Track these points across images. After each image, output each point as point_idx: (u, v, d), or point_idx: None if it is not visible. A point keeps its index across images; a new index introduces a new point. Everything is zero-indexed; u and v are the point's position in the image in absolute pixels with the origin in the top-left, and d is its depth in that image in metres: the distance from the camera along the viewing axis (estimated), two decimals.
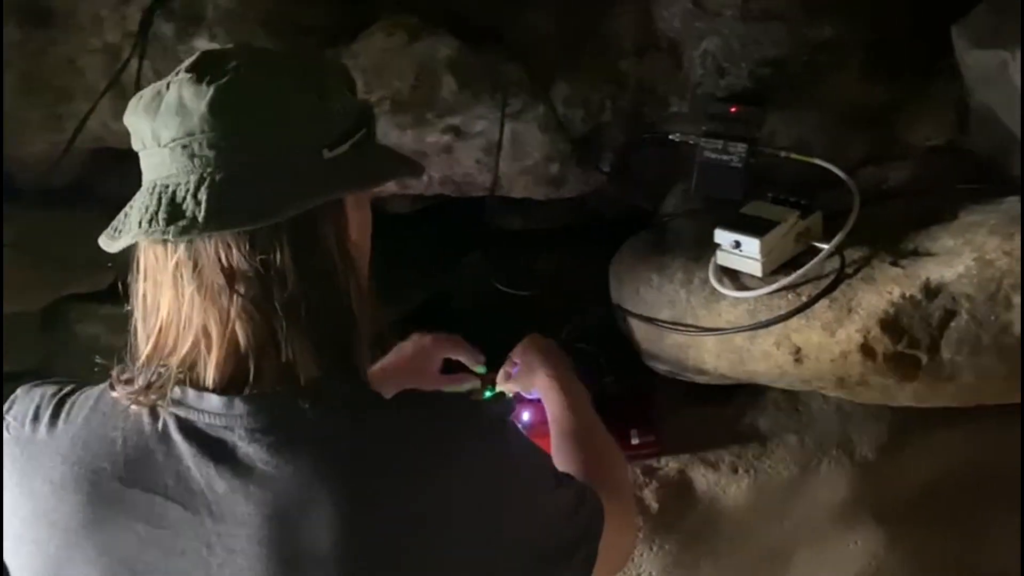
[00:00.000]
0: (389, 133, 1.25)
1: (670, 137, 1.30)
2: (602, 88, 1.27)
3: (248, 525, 0.71)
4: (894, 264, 1.08)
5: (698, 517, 1.22)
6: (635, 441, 1.27)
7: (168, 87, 0.73)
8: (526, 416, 1.24)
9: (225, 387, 0.74)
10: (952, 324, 1.03)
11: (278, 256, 0.72)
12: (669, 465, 1.25)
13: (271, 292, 0.72)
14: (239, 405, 0.73)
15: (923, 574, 1.24)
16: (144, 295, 0.76)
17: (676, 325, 1.20)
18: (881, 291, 1.05)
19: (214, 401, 0.73)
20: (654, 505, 1.22)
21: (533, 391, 1.21)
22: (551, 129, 1.29)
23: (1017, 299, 1.01)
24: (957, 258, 1.05)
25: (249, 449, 0.72)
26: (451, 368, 1.29)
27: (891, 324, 1.04)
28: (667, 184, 1.39)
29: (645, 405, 1.34)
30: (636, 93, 1.29)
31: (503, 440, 0.80)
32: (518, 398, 1.27)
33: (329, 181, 0.74)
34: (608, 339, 1.38)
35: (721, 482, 1.22)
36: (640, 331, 1.28)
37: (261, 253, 0.71)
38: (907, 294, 1.04)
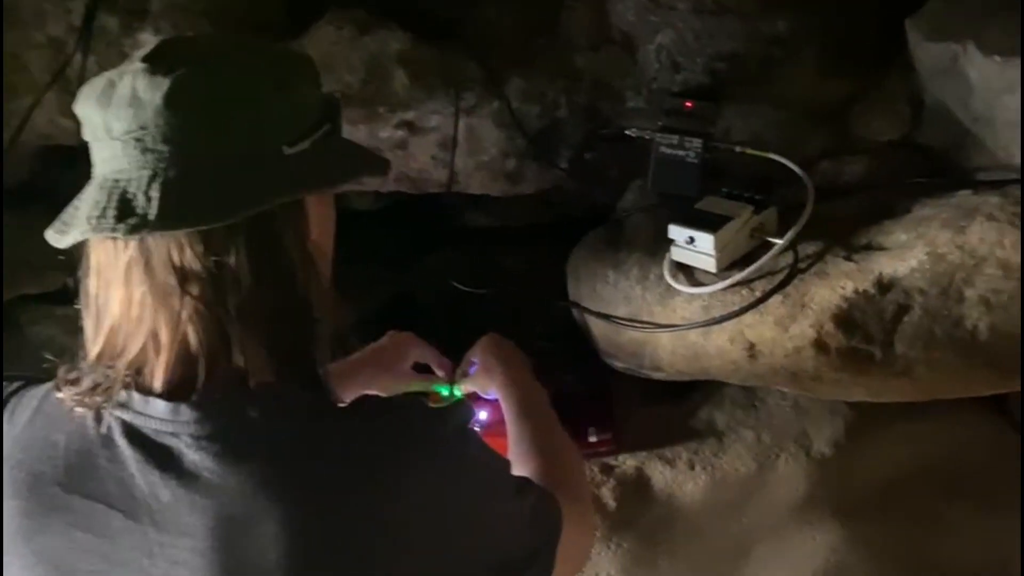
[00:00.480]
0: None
1: (626, 132, 1.29)
2: (557, 83, 1.26)
3: (192, 536, 0.69)
4: (847, 259, 1.07)
5: (656, 515, 1.21)
6: (592, 439, 1.26)
7: (122, 77, 0.69)
8: (483, 416, 1.22)
9: (173, 392, 0.71)
10: (905, 319, 1.03)
11: (233, 257, 0.69)
12: (626, 463, 1.24)
13: (224, 294, 0.69)
14: (185, 411, 0.70)
15: (882, 568, 1.24)
16: (94, 294, 0.73)
17: (632, 322, 1.20)
18: (834, 286, 1.05)
19: (160, 406, 0.71)
20: (611, 503, 1.21)
21: (490, 391, 1.20)
22: (506, 124, 1.28)
23: (969, 292, 1.01)
24: (910, 252, 1.04)
25: (195, 457, 0.70)
26: (420, 370, 1.28)
27: (844, 319, 1.04)
28: (625, 180, 1.38)
29: (603, 403, 1.33)
30: (591, 88, 1.27)
31: (462, 449, 0.78)
32: (475, 398, 1.25)
33: (289, 180, 0.70)
34: (567, 337, 1.37)
35: (678, 479, 1.21)
36: (597, 328, 1.27)
37: (215, 254, 0.69)
38: (860, 289, 1.04)
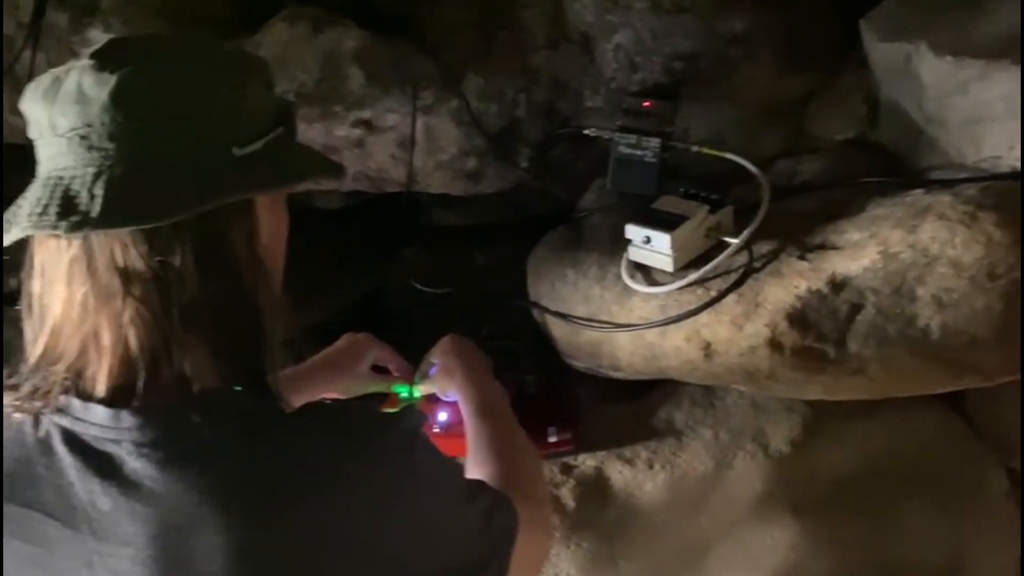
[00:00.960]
0: (297, 126, 1.22)
1: (585, 132, 1.29)
2: (515, 82, 1.26)
3: (132, 545, 0.68)
4: (801, 258, 1.08)
5: (615, 514, 1.21)
6: (552, 439, 1.25)
7: (68, 73, 0.68)
8: (443, 417, 1.22)
9: (114, 397, 0.69)
10: (858, 317, 1.03)
11: (178, 258, 0.67)
12: (586, 462, 1.23)
13: (168, 296, 0.68)
14: (127, 418, 0.68)
15: (839, 565, 1.25)
16: (37, 294, 0.71)
17: (590, 321, 1.19)
18: (788, 285, 1.05)
19: (100, 412, 0.69)
20: (571, 503, 1.20)
21: (450, 393, 1.19)
22: (465, 123, 1.27)
23: (921, 291, 1.01)
24: (863, 251, 1.05)
25: (136, 465, 0.68)
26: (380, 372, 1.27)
27: (798, 318, 1.04)
28: (587, 179, 1.38)
29: (563, 402, 1.32)
30: (550, 87, 1.27)
31: (411, 457, 0.76)
32: (435, 399, 1.25)
33: (237, 180, 0.69)
34: (529, 337, 1.37)
35: (637, 478, 1.21)
36: (557, 328, 1.27)
37: (159, 254, 0.67)
38: (814, 288, 1.04)
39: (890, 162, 1.24)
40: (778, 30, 1.23)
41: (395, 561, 0.73)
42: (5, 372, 0.73)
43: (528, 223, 1.48)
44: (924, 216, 1.04)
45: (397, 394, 1.26)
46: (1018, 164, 1.10)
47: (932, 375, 1.05)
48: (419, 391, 1.24)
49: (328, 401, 1.09)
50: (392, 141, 1.28)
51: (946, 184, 1.11)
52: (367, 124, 1.25)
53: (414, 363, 1.27)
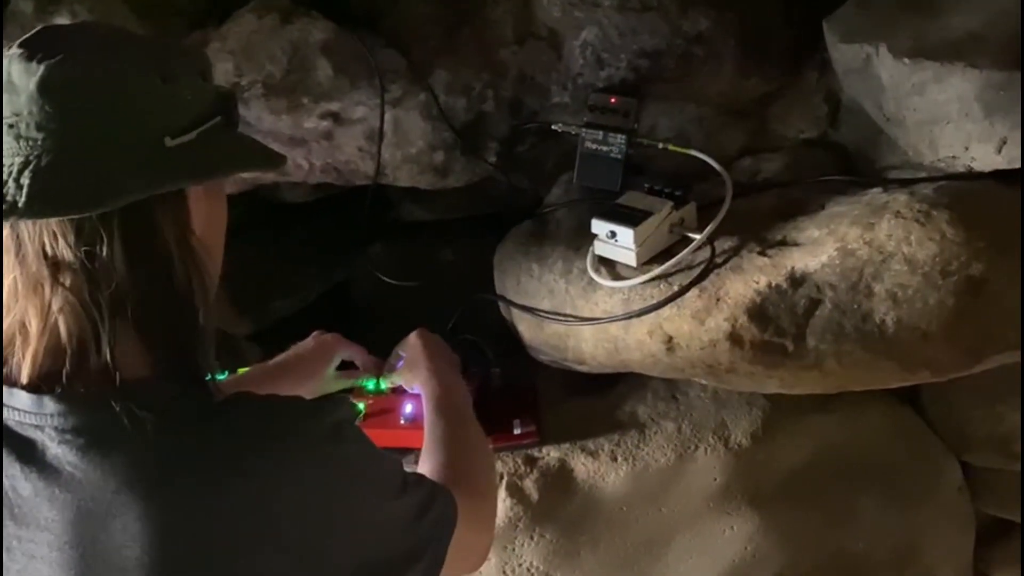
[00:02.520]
0: (264, 118, 1.22)
1: (552, 127, 1.30)
2: (482, 76, 1.27)
3: (50, 531, 0.68)
4: (762, 254, 1.10)
5: (578, 506, 1.22)
6: (517, 431, 1.26)
7: None
8: (408, 409, 1.22)
9: (39, 383, 0.69)
10: (816, 312, 1.05)
11: (106, 247, 0.68)
12: (550, 454, 1.24)
13: (97, 285, 0.68)
14: (49, 404, 0.69)
15: (795, 555, 1.28)
16: None
17: (555, 315, 1.21)
18: (748, 280, 1.07)
19: (24, 398, 0.69)
20: (534, 495, 1.22)
21: (415, 386, 1.20)
22: (433, 117, 1.28)
23: (877, 287, 1.04)
24: (821, 248, 1.07)
25: (58, 451, 0.68)
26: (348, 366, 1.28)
27: (758, 313, 1.06)
28: (555, 174, 1.39)
29: (529, 395, 1.33)
30: (517, 82, 1.28)
31: (340, 447, 0.76)
32: (400, 391, 1.25)
33: (168, 170, 0.69)
34: (495, 330, 1.38)
35: (601, 470, 1.22)
36: (522, 321, 1.28)
37: (87, 244, 0.67)
38: (773, 283, 1.06)
39: (850, 161, 1.27)
40: (740, 30, 1.25)
41: (317, 550, 0.72)
42: None
43: (495, 218, 1.49)
44: (881, 214, 1.07)
45: (364, 387, 1.26)
46: (972, 164, 1.12)
47: (886, 370, 1.07)
48: (385, 384, 1.25)
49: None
50: (360, 134, 1.28)
51: (903, 183, 1.14)
52: (335, 116, 1.25)
53: (381, 355, 1.28)
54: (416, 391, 1.20)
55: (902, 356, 1.05)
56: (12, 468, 0.69)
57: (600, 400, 1.32)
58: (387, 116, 1.26)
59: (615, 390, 1.33)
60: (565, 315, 1.20)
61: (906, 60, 1.10)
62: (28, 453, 0.69)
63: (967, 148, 1.11)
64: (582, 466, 1.23)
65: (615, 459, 1.24)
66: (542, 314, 1.22)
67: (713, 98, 1.28)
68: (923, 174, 1.15)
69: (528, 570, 1.22)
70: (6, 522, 0.69)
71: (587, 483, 1.23)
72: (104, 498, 0.67)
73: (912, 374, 1.08)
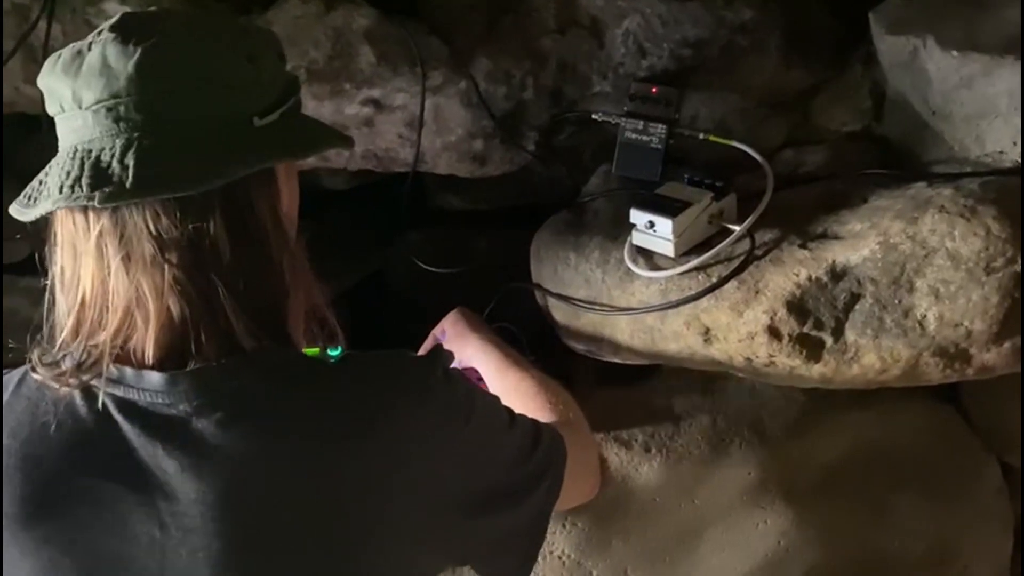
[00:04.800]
0: (306, 104, 1.22)
1: (592, 117, 1.30)
2: (523, 64, 1.26)
3: (202, 503, 0.70)
4: (802, 247, 1.09)
5: (610, 496, 1.22)
6: None
7: (90, 47, 0.70)
8: None
9: (165, 362, 0.72)
10: (857, 307, 1.04)
11: (211, 224, 0.70)
12: None
13: (205, 261, 0.70)
14: (182, 381, 0.71)
15: (830, 552, 1.26)
16: (63, 268, 0.73)
17: (591, 304, 1.21)
18: (788, 273, 1.06)
19: (155, 378, 0.71)
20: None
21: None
22: (473, 105, 1.28)
23: (919, 282, 1.02)
24: (863, 241, 1.06)
25: (198, 425, 0.71)
26: None
27: (797, 306, 1.05)
28: (593, 164, 1.39)
29: (563, 384, 1.34)
30: (558, 71, 1.28)
31: (450, 388, 0.80)
32: None
33: (261, 149, 0.72)
34: (530, 319, 1.38)
35: (634, 461, 1.22)
36: (558, 311, 1.28)
37: (193, 221, 0.69)
38: (813, 276, 1.05)
39: (894, 155, 1.25)
40: (785, 21, 1.24)
41: (443, 487, 0.78)
42: (38, 351, 0.75)
43: (530, 210, 1.49)
44: (925, 208, 1.05)
45: None
46: (1020, 160, 1.10)
47: (927, 366, 1.06)
48: None
49: None
50: (400, 121, 1.29)
51: (948, 178, 1.12)
52: (376, 103, 1.26)
53: (418, 343, 1.29)
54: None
55: (944, 353, 1.04)
56: (155, 447, 0.71)
57: (634, 391, 1.32)
58: (427, 103, 1.26)
59: (650, 381, 1.33)
60: (601, 305, 1.20)
61: (954, 53, 1.08)
62: (167, 431, 0.71)
63: (1015, 143, 1.10)
64: (615, 456, 1.23)
65: (648, 450, 1.24)
66: (578, 303, 1.22)
67: (756, 89, 1.27)
68: (969, 169, 1.14)
69: (559, 558, 1.22)
70: (158, 502, 0.71)
71: (620, 473, 1.23)
72: (250, 466, 0.70)
73: (953, 371, 1.07)
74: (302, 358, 0.77)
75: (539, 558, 1.21)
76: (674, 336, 1.13)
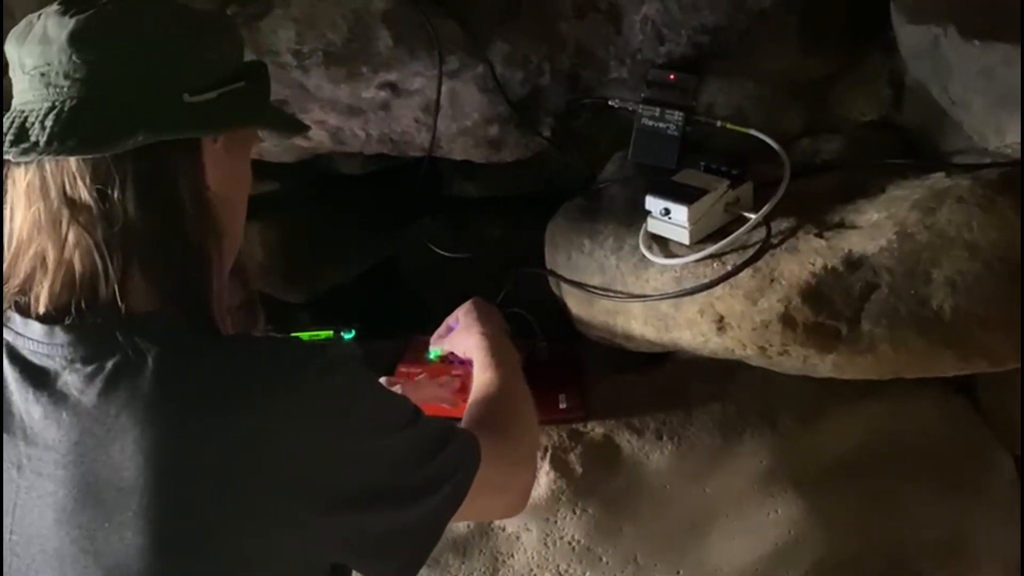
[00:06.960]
0: (323, 86, 1.23)
1: (609, 103, 1.30)
2: (540, 49, 1.26)
3: (56, 450, 0.74)
4: (818, 236, 1.08)
5: (621, 481, 1.23)
6: (563, 405, 1.27)
7: (39, 17, 0.76)
8: (458, 374, 1.24)
9: (53, 315, 0.75)
10: (872, 296, 1.04)
11: (118, 188, 0.74)
12: (595, 430, 1.25)
13: (109, 224, 0.74)
14: (60, 334, 0.75)
15: (840, 542, 1.26)
16: (7, 218, 0.79)
17: (605, 291, 1.21)
18: (804, 262, 1.06)
19: (37, 328, 0.76)
20: (578, 469, 1.22)
21: (463, 352, 1.21)
22: (489, 90, 1.28)
23: (936, 273, 1.02)
24: (879, 231, 1.05)
25: (68, 378, 0.74)
26: None
27: (812, 295, 1.05)
28: (609, 150, 1.39)
29: (575, 370, 1.34)
30: (575, 56, 1.27)
31: (327, 380, 0.79)
32: (452, 357, 1.27)
33: (179, 121, 0.75)
34: (543, 305, 1.38)
35: (645, 447, 1.23)
36: (571, 297, 1.28)
37: (100, 184, 0.73)
38: (829, 265, 1.05)
39: (912, 145, 1.24)
40: (804, 9, 1.23)
41: (307, 477, 0.76)
42: None
43: (543, 198, 1.49)
44: (943, 199, 1.05)
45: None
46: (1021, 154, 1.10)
47: (942, 357, 1.05)
48: (439, 351, 1.27)
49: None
50: (417, 105, 1.29)
51: (967, 168, 1.11)
52: (393, 87, 1.26)
53: (431, 328, 1.30)
54: (467, 358, 1.21)
55: (959, 344, 1.03)
56: (26, 393, 0.75)
57: (647, 378, 1.32)
58: (444, 88, 1.26)
59: (662, 368, 1.33)
60: (615, 291, 1.20)
61: (976, 42, 1.08)
62: (41, 380, 0.75)
63: None
64: (627, 442, 1.24)
65: (660, 437, 1.24)
66: (592, 290, 1.22)
67: (774, 77, 1.26)
68: (988, 159, 1.13)
69: (569, 543, 1.23)
70: (19, 443, 0.75)
71: (631, 459, 1.23)
72: (106, 422, 0.73)
73: (968, 363, 1.06)
74: (197, 329, 0.77)
75: (549, 544, 1.23)
76: (688, 324, 1.12)
